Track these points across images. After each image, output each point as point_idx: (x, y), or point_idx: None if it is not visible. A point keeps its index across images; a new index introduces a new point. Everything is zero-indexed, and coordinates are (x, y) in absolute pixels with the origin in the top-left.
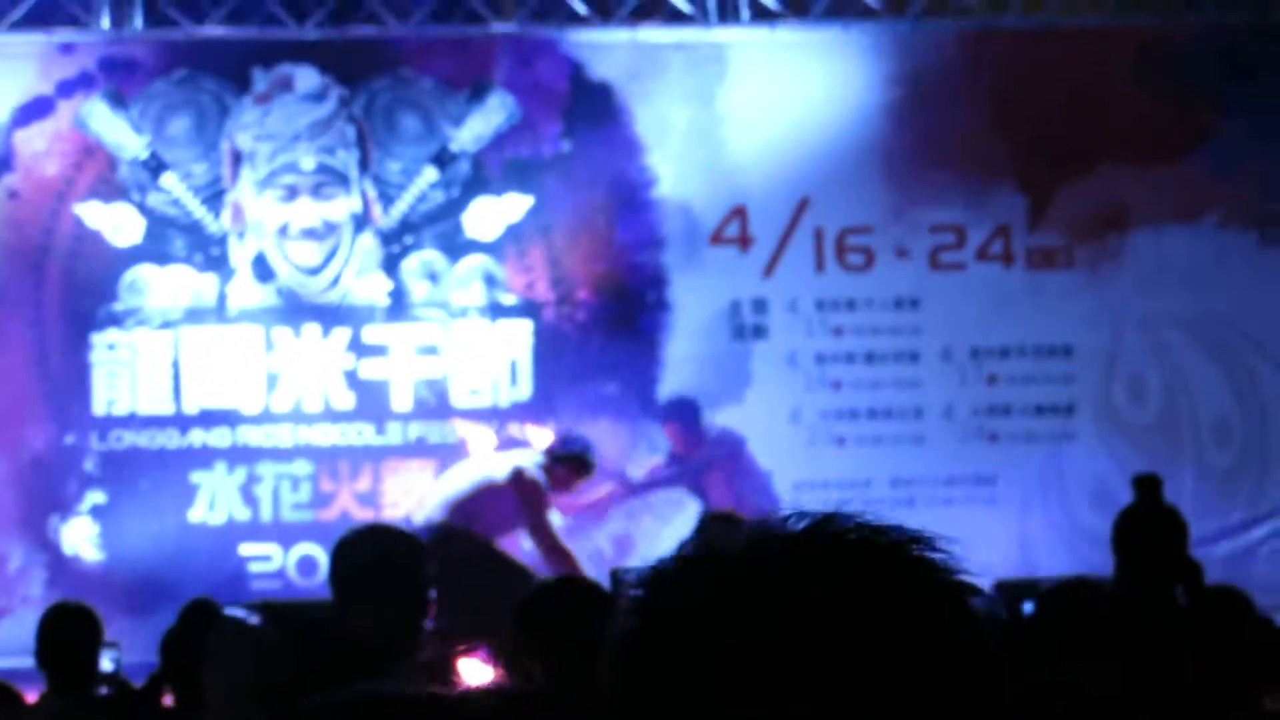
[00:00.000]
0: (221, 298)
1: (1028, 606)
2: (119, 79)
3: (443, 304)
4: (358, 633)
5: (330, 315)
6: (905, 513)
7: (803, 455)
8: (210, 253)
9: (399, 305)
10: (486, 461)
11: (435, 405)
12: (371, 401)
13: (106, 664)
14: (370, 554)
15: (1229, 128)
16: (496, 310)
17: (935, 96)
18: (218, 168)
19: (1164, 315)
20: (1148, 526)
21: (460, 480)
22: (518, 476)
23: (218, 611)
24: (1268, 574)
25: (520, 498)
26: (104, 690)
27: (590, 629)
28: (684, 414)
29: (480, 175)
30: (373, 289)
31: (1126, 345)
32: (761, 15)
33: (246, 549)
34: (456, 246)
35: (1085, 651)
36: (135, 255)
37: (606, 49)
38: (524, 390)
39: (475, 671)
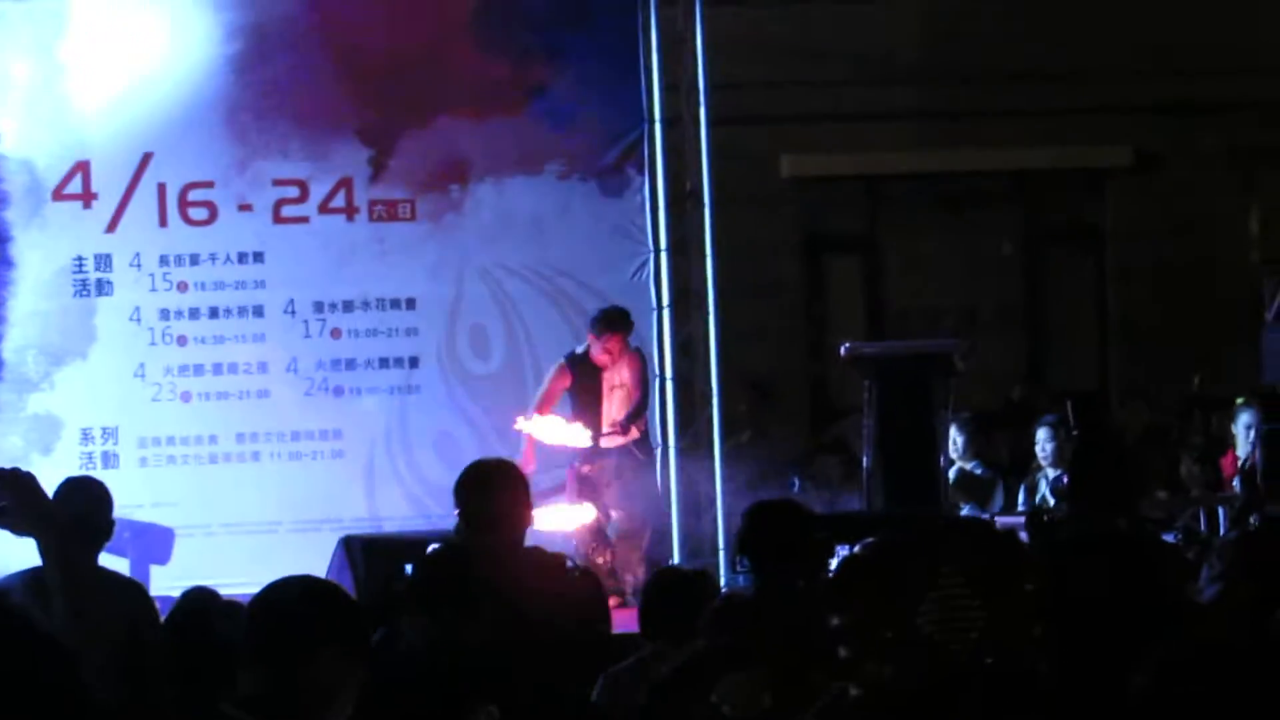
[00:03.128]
0: None
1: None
2: None
3: None
4: None
5: None
6: (252, 467)
7: (147, 411)
8: None
9: None
10: None
11: None
12: None
13: None
14: None
15: (562, 78)
16: None
17: (277, 48)
18: None
19: (505, 265)
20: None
21: None
22: None
23: None
24: None
25: None
26: None
27: None
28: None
29: None
30: None
31: (469, 296)
32: None
33: None
34: None
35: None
36: None
37: None
38: None
39: None
